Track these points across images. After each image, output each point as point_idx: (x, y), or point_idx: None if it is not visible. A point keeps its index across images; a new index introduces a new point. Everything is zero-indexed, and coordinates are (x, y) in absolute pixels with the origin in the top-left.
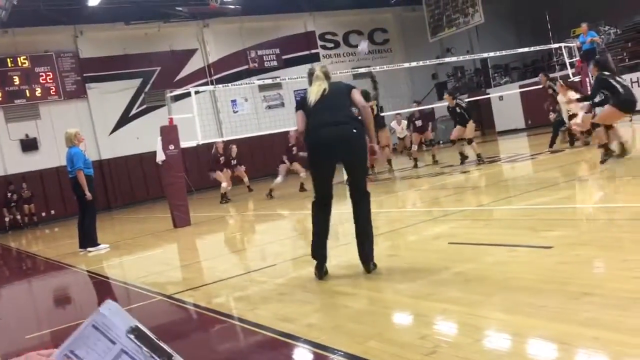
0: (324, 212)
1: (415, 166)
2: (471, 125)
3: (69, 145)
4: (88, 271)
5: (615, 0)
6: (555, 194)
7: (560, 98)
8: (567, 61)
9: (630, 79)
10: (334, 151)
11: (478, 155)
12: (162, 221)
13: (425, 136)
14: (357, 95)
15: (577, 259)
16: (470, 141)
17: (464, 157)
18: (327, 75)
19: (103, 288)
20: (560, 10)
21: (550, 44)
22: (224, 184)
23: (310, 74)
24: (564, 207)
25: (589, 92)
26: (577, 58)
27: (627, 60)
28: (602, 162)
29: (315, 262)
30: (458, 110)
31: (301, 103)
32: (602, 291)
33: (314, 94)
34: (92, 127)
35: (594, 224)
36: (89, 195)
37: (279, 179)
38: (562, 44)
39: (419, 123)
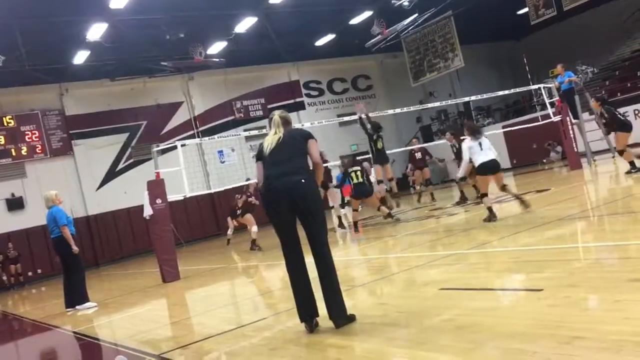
0: (294, 264)
1: (433, 199)
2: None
3: (50, 206)
4: (76, 332)
5: (591, 41)
6: (543, 234)
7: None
8: (547, 101)
9: None
10: (282, 202)
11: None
12: (151, 276)
13: (424, 175)
14: (312, 148)
15: (567, 301)
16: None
17: (463, 197)
18: (285, 121)
19: (91, 350)
20: (538, 51)
21: (530, 85)
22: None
23: (270, 119)
24: (552, 248)
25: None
26: (557, 98)
27: (606, 98)
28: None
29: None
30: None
31: (259, 153)
32: (593, 334)
33: (267, 142)
34: (79, 183)
35: (583, 264)
36: (76, 248)
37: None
38: (542, 85)
39: (419, 155)
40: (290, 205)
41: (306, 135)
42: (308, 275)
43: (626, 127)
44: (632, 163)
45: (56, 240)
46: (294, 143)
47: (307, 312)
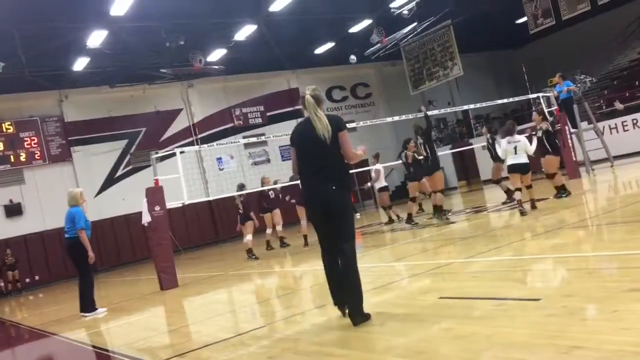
0: (329, 256)
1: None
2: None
3: (72, 204)
4: (73, 340)
5: (589, 50)
6: (541, 243)
7: None
8: (546, 110)
9: (609, 126)
10: (317, 209)
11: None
12: (149, 283)
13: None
14: (344, 141)
15: (565, 310)
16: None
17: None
18: (317, 100)
19: (88, 358)
20: (537, 60)
21: (529, 94)
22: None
23: (302, 98)
24: (551, 257)
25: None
26: (556, 107)
27: (604, 107)
28: None
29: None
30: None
31: (292, 138)
32: (592, 344)
33: (302, 131)
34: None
35: (581, 274)
36: (92, 255)
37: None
38: (540, 94)
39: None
40: (324, 211)
41: (338, 127)
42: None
43: (557, 150)
44: (560, 187)
45: (70, 242)
46: (327, 138)
47: (338, 298)
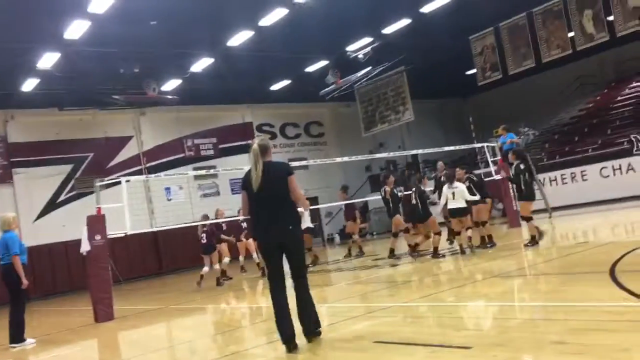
0: (279, 295)
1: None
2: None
3: (5, 229)
4: None
5: (534, 104)
6: (479, 290)
7: None
8: (490, 160)
9: (549, 178)
10: (273, 246)
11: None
12: (84, 315)
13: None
14: (293, 185)
15: None
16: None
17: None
18: (265, 149)
19: None
20: (484, 110)
21: (474, 143)
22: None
23: (250, 148)
24: (488, 304)
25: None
26: (499, 157)
27: (545, 160)
28: None
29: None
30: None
31: (244, 183)
32: None
33: (253, 178)
34: (16, 213)
35: (513, 323)
36: (25, 282)
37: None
38: (485, 144)
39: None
40: (279, 247)
41: (287, 172)
42: (287, 300)
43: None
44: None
45: (5, 268)
46: (278, 182)
47: (288, 334)
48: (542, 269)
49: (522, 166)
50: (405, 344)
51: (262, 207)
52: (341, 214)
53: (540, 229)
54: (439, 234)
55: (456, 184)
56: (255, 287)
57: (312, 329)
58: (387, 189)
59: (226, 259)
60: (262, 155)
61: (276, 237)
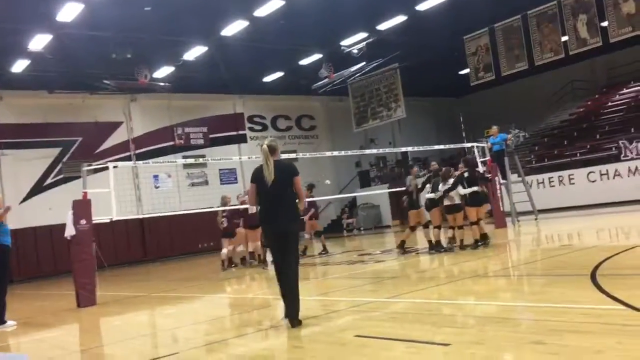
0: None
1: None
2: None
3: None
4: None
5: (525, 106)
6: (462, 289)
7: None
8: (479, 160)
9: (537, 180)
10: (276, 235)
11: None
12: (67, 299)
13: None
14: (298, 184)
15: (472, 357)
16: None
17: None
18: (272, 149)
19: None
20: (475, 111)
21: (464, 142)
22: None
23: (260, 146)
24: (470, 303)
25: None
26: (488, 158)
27: (533, 162)
28: None
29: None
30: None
31: (255, 176)
32: None
33: (265, 175)
34: (2, 194)
35: (493, 322)
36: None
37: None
38: (475, 144)
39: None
40: (281, 237)
41: (293, 173)
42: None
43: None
44: (437, 243)
45: None
46: (285, 180)
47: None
48: (525, 270)
49: (465, 175)
50: (385, 339)
51: (269, 200)
52: (330, 207)
53: (441, 242)
54: (438, 227)
55: (450, 181)
56: (243, 278)
57: (295, 316)
58: (411, 178)
59: (241, 247)
60: (271, 155)
61: (279, 227)
